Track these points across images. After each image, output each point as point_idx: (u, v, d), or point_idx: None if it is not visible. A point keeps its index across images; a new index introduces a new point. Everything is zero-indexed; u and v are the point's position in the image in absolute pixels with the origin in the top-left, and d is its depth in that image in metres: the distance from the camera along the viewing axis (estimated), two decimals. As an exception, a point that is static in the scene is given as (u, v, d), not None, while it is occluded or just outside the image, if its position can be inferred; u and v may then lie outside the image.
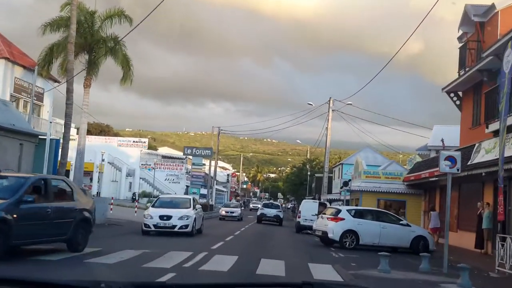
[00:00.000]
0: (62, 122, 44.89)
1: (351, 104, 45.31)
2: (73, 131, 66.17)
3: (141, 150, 68.55)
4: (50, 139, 24.51)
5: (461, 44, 24.46)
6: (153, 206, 21.48)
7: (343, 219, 19.56)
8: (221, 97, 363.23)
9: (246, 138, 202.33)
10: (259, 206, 52.78)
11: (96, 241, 14.02)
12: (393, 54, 53.91)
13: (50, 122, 27.40)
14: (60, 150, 24.46)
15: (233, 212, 41.27)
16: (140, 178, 65.98)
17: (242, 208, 48.32)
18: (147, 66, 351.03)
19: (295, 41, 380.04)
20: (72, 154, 59.62)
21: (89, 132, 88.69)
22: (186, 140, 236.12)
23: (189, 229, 19.77)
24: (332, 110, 44.38)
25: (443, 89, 24.92)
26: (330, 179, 49.58)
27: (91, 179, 61.02)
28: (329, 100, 44.78)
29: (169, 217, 19.70)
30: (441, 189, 27.04)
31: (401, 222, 20.27)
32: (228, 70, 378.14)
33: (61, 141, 25.38)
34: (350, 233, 19.32)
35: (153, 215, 19.87)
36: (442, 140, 30.37)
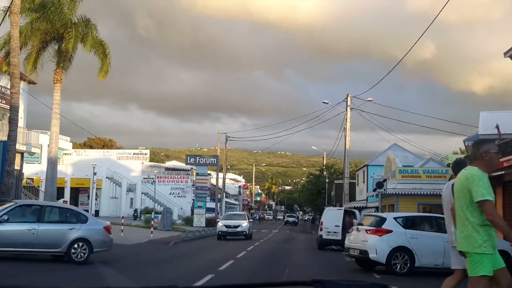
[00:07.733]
0: (39, 131, 39.74)
1: (372, 100, 40.84)
2: (68, 144, 60.90)
3: (142, 162, 62.78)
4: (-5, 140, 18.97)
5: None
6: None
7: (390, 231, 13.51)
8: (237, 111, 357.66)
9: (260, 151, 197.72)
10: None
11: None
12: (405, 59, 49.60)
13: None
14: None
15: None
16: (142, 193, 60.12)
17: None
18: (162, 84, 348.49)
19: (304, 50, 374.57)
20: (66, 170, 54.33)
21: (91, 147, 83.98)
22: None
23: None
24: (351, 108, 40.09)
25: (505, 53, 18.86)
26: (352, 186, 44.05)
27: (88, 196, 55.41)
28: (347, 97, 40.16)
29: None
30: (504, 186, 20.85)
31: (473, 232, 14.10)
32: (242, 83, 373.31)
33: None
34: (402, 252, 13.29)
35: None
36: (497, 127, 24.54)
